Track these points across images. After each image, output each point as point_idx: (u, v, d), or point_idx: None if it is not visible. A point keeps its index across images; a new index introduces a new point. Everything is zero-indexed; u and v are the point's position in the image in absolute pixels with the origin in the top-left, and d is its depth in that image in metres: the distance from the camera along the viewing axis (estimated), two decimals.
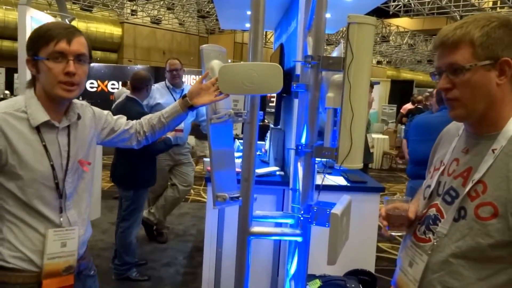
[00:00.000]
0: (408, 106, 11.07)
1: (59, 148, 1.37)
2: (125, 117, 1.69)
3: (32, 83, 1.38)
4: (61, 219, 1.38)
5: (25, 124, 1.31)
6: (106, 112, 1.63)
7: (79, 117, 1.45)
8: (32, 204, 1.32)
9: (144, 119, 1.69)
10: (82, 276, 1.49)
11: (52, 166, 1.34)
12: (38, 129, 1.33)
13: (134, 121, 1.68)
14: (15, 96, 11.45)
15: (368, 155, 4.55)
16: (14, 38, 4.11)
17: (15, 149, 1.28)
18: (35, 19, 3.82)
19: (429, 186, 1.28)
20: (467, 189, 1.10)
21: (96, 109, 1.58)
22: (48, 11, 4.42)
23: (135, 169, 3.26)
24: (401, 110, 11.35)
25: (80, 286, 1.46)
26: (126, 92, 3.81)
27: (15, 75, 12.51)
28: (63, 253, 1.38)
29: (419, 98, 10.01)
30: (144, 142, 1.69)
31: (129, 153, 3.22)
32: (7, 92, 13.96)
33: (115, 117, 1.65)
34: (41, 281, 1.35)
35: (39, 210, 1.34)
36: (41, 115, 1.33)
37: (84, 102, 1.53)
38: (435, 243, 1.15)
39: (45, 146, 1.33)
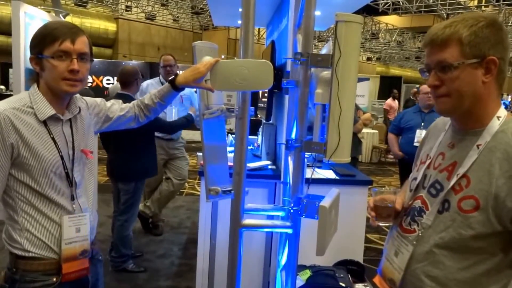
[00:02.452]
0: (390, 102, 11.21)
1: (65, 140, 1.44)
2: (120, 102, 1.72)
3: (35, 79, 1.44)
4: (74, 206, 1.45)
5: (33, 118, 1.37)
6: (99, 100, 1.67)
7: (79, 110, 1.51)
8: (46, 193, 1.38)
9: (142, 103, 1.73)
10: (94, 260, 1.57)
11: (61, 157, 1.40)
12: (45, 122, 1.39)
13: (131, 105, 1.73)
14: (11, 91, 11.40)
15: (356, 148, 4.57)
16: (8, 33, 4.09)
17: (26, 142, 1.34)
18: (29, 14, 3.82)
19: (415, 178, 1.32)
20: (451, 183, 1.14)
21: (89, 100, 1.62)
22: (42, 7, 4.42)
23: (134, 160, 3.28)
24: (384, 107, 11.49)
25: (92, 269, 1.54)
26: None
27: (10, 70, 12.41)
28: (78, 237, 1.46)
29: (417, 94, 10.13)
30: (146, 121, 1.76)
31: (126, 145, 3.25)
32: (2, 87, 13.84)
33: (109, 104, 1.69)
34: (60, 267, 1.42)
35: (53, 198, 1.40)
36: (47, 109, 1.39)
37: (77, 95, 1.57)
38: (420, 234, 1.19)
39: (53, 138, 1.39)
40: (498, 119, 1.15)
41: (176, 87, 1.65)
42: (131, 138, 3.19)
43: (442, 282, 1.15)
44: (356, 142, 4.44)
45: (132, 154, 3.28)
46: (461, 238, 1.11)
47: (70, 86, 1.39)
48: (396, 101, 11.42)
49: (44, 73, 1.40)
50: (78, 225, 1.46)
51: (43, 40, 1.37)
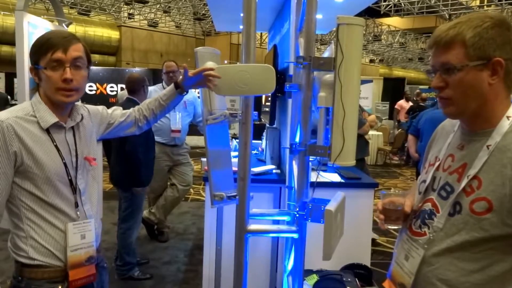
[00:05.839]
0: (402, 102, 11.13)
1: (68, 147, 1.44)
2: (120, 108, 1.73)
3: (36, 89, 1.45)
4: (78, 213, 1.45)
5: (36, 126, 1.38)
6: (100, 108, 1.67)
7: (82, 118, 1.52)
8: (50, 201, 1.39)
9: (144, 104, 1.74)
10: (99, 267, 1.56)
11: (65, 164, 1.41)
12: (48, 131, 1.40)
13: (131, 110, 1.73)
14: (15, 100, 11.51)
15: (364, 149, 4.51)
16: (13, 43, 4.12)
17: (29, 150, 1.35)
18: (32, 24, 3.85)
19: (424, 181, 1.29)
20: (462, 185, 1.12)
21: (91, 107, 1.63)
22: (46, 16, 4.44)
23: (132, 169, 3.25)
24: (396, 107, 11.39)
25: (97, 276, 1.53)
26: None
27: (15, 80, 12.50)
28: (84, 244, 1.46)
29: (423, 96, 10.05)
30: (146, 126, 1.76)
31: (125, 153, 3.23)
32: (8, 96, 13.93)
33: (110, 110, 1.70)
34: (66, 274, 1.42)
35: (57, 206, 1.40)
36: (50, 118, 1.40)
37: (79, 103, 1.58)
38: (431, 237, 1.17)
39: (56, 146, 1.40)
40: (508, 119, 1.13)
41: (178, 86, 1.66)
42: (131, 146, 3.18)
43: (455, 285, 1.12)
44: (363, 143, 4.39)
45: (132, 161, 3.24)
46: (474, 241, 1.09)
47: (64, 96, 1.39)
48: (410, 102, 11.14)
49: (41, 83, 1.41)
50: (83, 232, 1.46)
51: (39, 50, 1.38)
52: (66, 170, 1.42)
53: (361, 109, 4.74)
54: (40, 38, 1.40)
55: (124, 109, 1.75)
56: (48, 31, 1.46)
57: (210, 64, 1.60)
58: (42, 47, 1.37)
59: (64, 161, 1.41)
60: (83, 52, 1.42)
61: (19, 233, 1.40)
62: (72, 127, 1.48)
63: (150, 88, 4.20)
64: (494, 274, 1.09)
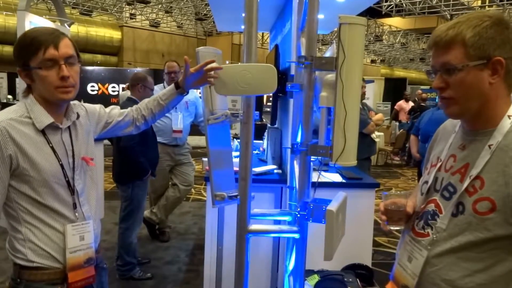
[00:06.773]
0: (402, 103, 11.11)
1: (64, 148, 1.42)
2: (118, 108, 1.71)
3: (28, 91, 1.41)
4: (76, 214, 1.44)
5: (31, 128, 1.36)
6: (98, 106, 1.65)
7: (78, 117, 1.50)
8: (47, 203, 1.37)
9: (142, 103, 1.72)
10: (98, 268, 1.55)
11: (62, 166, 1.39)
12: (43, 132, 1.37)
13: (129, 109, 1.71)
14: (17, 100, 11.56)
15: (371, 148, 4.49)
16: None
17: (25, 153, 1.33)
18: (35, 24, 3.86)
19: (426, 182, 1.29)
20: (465, 185, 1.12)
21: (88, 106, 1.61)
22: (47, 16, 4.46)
23: (131, 161, 3.22)
24: (395, 107, 11.40)
25: (96, 278, 1.53)
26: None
27: (17, 80, 12.55)
28: (82, 246, 1.45)
29: (424, 96, 10.04)
30: (143, 126, 1.73)
31: (120, 148, 3.21)
32: (9, 96, 13.99)
33: (108, 109, 1.68)
34: (65, 276, 1.41)
35: (54, 208, 1.39)
36: (45, 118, 1.38)
37: (76, 101, 1.55)
38: (434, 238, 1.16)
39: (52, 148, 1.38)
40: (510, 118, 1.13)
41: (178, 86, 1.64)
42: (125, 140, 3.15)
43: (458, 286, 1.12)
44: (370, 142, 4.38)
45: (129, 155, 3.23)
46: (477, 241, 1.09)
47: (64, 93, 1.37)
48: (411, 102, 10.93)
49: (35, 84, 1.38)
50: (82, 233, 1.45)
51: (26, 50, 1.34)
52: (63, 171, 1.40)
53: (368, 109, 4.72)
54: (24, 38, 1.35)
55: (122, 107, 1.74)
56: (30, 30, 1.40)
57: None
58: (30, 47, 1.33)
59: (60, 162, 1.39)
60: (73, 49, 1.39)
61: (17, 235, 1.38)
62: (68, 127, 1.46)
63: None
64: (498, 274, 1.09)
